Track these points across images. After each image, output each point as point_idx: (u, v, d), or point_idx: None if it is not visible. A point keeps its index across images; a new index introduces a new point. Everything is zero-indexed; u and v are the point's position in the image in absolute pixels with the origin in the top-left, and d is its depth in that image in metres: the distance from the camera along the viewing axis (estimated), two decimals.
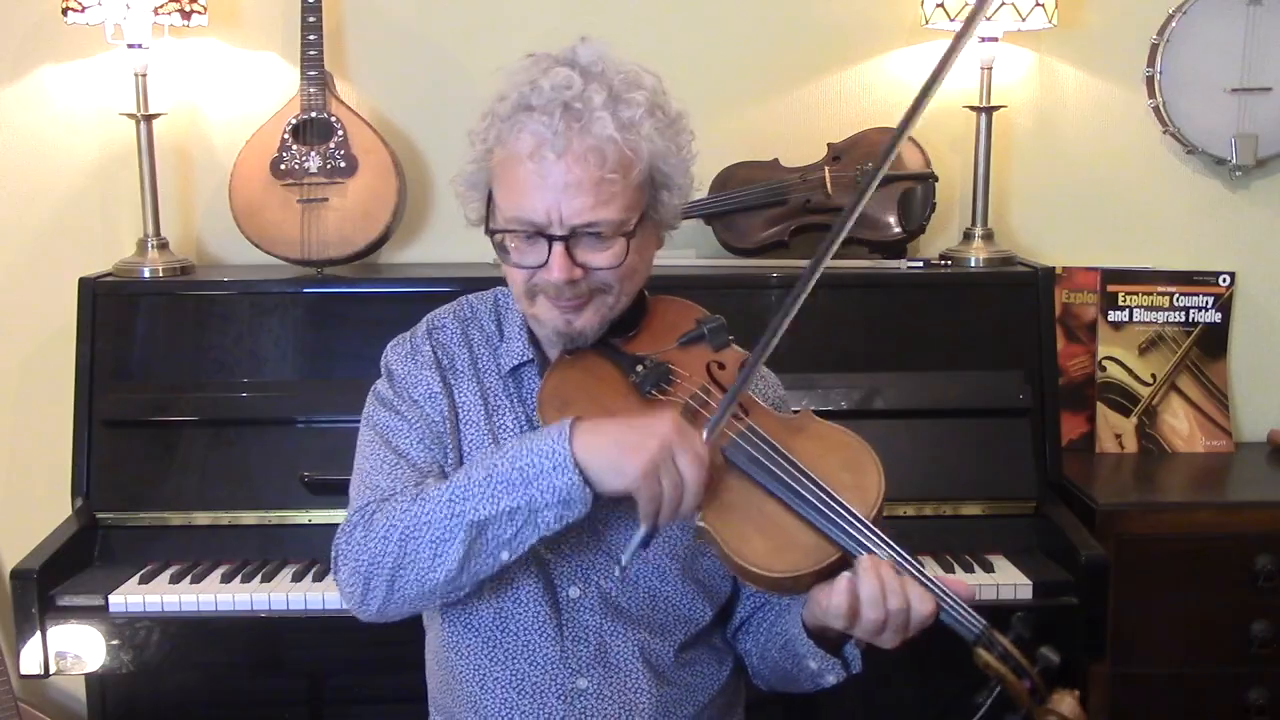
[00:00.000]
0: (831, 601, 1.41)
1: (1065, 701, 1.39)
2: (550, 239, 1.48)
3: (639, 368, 1.57)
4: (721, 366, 1.59)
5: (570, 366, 1.59)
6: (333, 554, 1.56)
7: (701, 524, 1.45)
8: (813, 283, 1.52)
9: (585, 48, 1.53)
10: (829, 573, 1.44)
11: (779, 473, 1.47)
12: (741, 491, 1.48)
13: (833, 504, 1.44)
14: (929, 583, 1.43)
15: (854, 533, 1.43)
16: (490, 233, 1.54)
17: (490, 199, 1.56)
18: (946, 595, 1.43)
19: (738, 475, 1.49)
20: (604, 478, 1.42)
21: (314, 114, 2.62)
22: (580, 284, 1.51)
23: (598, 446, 1.42)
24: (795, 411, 1.63)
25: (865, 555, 1.42)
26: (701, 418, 1.51)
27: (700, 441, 1.43)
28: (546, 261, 1.49)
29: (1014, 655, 1.39)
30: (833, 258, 1.58)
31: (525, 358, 1.63)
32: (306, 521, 2.40)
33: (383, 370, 1.67)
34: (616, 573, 1.58)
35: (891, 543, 1.44)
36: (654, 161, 1.51)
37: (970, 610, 1.43)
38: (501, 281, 1.65)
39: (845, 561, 1.44)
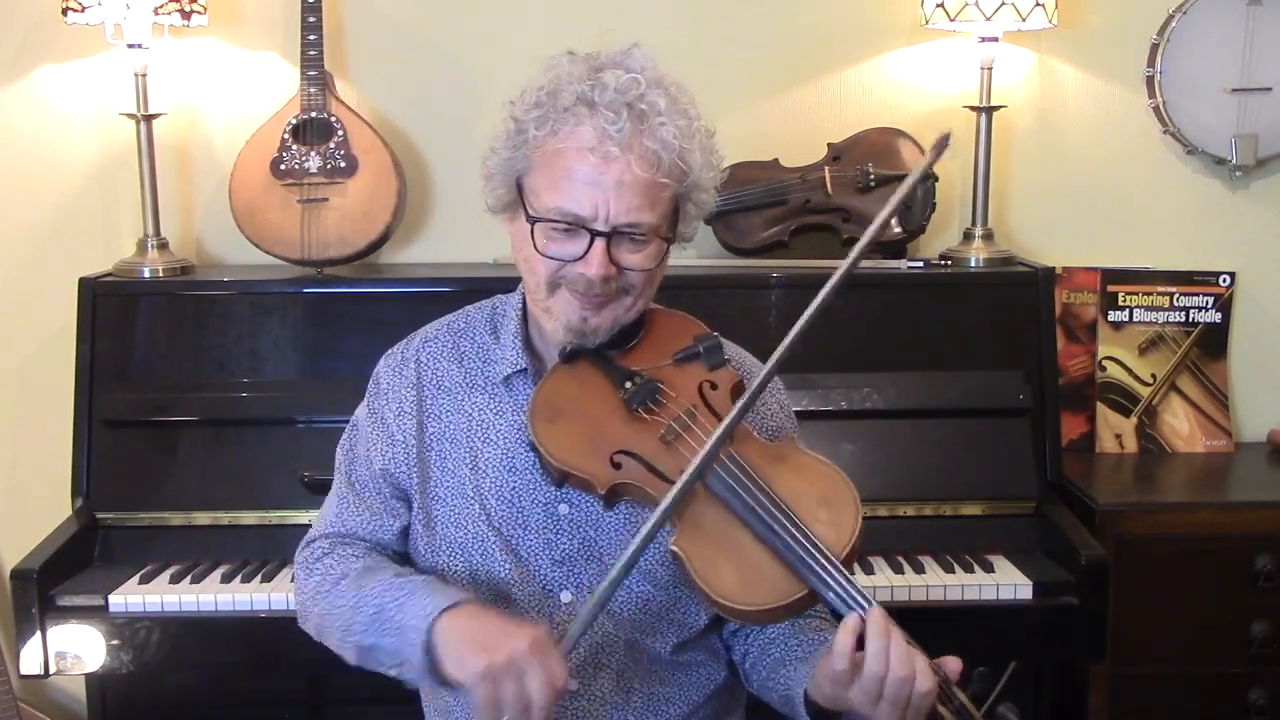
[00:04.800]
0: (839, 639, 1.39)
1: None
2: (593, 234, 1.49)
3: (628, 384, 1.56)
4: (714, 387, 1.57)
5: (563, 377, 1.59)
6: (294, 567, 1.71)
7: (675, 548, 1.45)
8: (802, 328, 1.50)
9: (639, 53, 1.54)
10: (797, 608, 1.44)
11: (754, 505, 1.46)
12: (717, 520, 1.47)
13: (804, 541, 1.43)
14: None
15: (822, 571, 1.41)
16: (530, 219, 1.53)
17: (521, 188, 1.55)
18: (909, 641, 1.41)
19: (715, 504, 1.48)
20: (449, 665, 1.45)
21: (314, 114, 2.62)
22: (610, 282, 1.52)
23: (455, 633, 1.45)
24: (785, 436, 1.61)
25: (875, 608, 1.40)
26: (684, 441, 1.51)
27: (559, 665, 1.40)
28: (584, 255, 1.50)
29: (970, 712, 1.37)
30: (835, 257, 1.57)
31: (519, 366, 1.63)
32: (306, 521, 2.34)
33: (371, 380, 1.70)
34: (535, 615, 1.58)
35: (855, 584, 1.42)
36: (698, 174, 1.54)
37: (932, 663, 1.40)
38: (501, 287, 1.65)
39: (813, 599, 1.43)
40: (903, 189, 1.57)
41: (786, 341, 1.49)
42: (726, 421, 1.48)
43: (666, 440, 1.52)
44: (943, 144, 1.53)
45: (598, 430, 1.54)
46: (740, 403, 1.49)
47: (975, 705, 1.38)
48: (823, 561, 1.41)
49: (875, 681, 1.37)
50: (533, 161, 1.53)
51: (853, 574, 1.44)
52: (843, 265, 1.50)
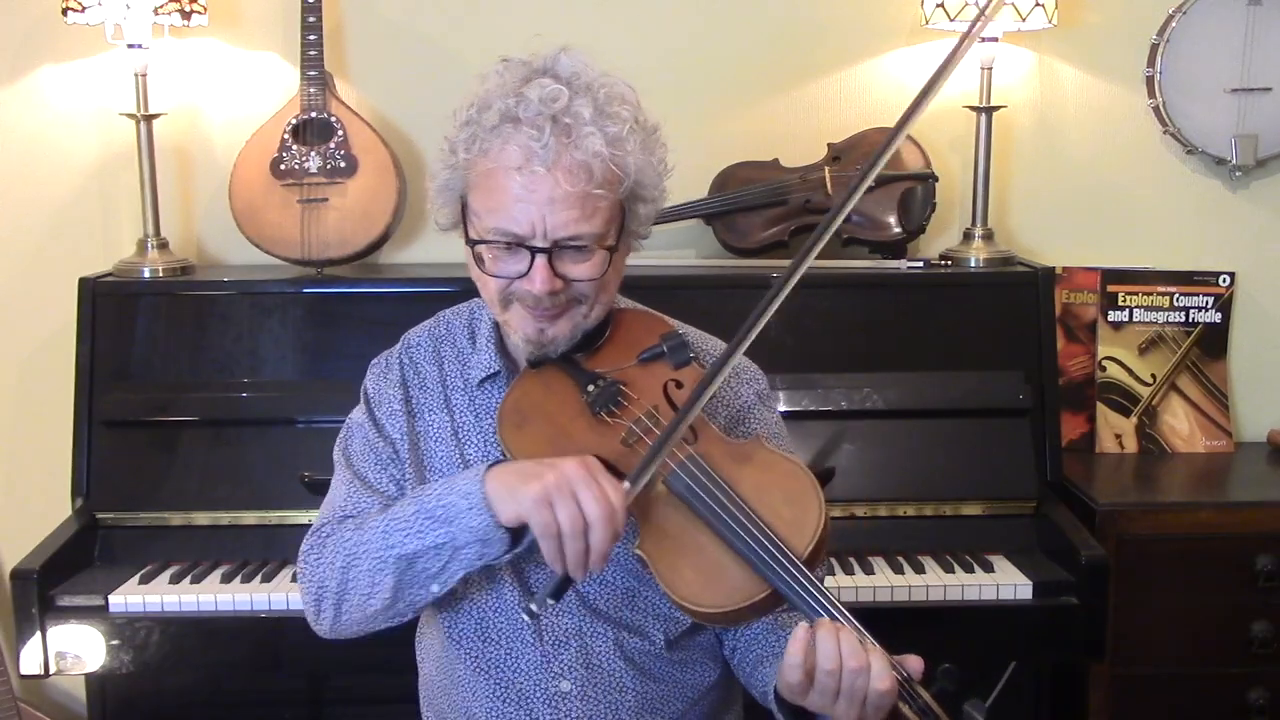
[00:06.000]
0: (789, 649, 1.37)
1: None
2: (533, 251, 1.49)
3: (591, 387, 1.56)
4: (679, 386, 1.56)
5: (531, 381, 1.59)
6: (296, 569, 1.66)
7: (638, 551, 1.45)
8: (766, 318, 1.48)
9: (567, 58, 1.53)
10: (761, 609, 1.42)
11: (715, 506, 1.44)
12: (679, 521, 1.46)
13: (765, 542, 1.41)
14: (857, 629, 1.39)
15: (782, 572, 1.39)
16: (470, 243, 1.54)
17: (465, 206, 1.55)
18: (863, 634, 1.39)
19: (677, 505, 1.47)
20: (503, 505, 1.44)
21: (314, 114, 2.62)
22: (559, 295, 1.52)
23: (503, 478, 1.46)
24: (765, 436, 1.60)
25: (824, 619, 1.37)
26: (643, 444, 1.50)
27: (613, 485, 1.40)
28: (527, 272, 1.50)
29: (934, 711, 1.35)
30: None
31: (493, 369, 1.64)
32: (306, 521, 2.33)
33: (361, 391, 1.71)
34: (525, 618, 1.56)
35: (817, 583, 1.40)
36: (637, 176, 1.52)
37: (894, 660, 1.37)
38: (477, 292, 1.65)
39: (776, 600, 1.41)
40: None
41: (754, 320, 1.47)
42: (681, 415, 1.46)
43: (628, 443, 1.51)
44: None
45: (562, 435, 1.53)
46: (697, 389, 1.47)
47: (939, 704, 1.36)
48: (784, 561, 1.39)
49: (831, 678, 1.35)
50: (469, 182, 1.53)
51: (820, 574, 1.43)
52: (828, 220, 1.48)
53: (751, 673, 1.61)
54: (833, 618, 1.38)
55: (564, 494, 1.39)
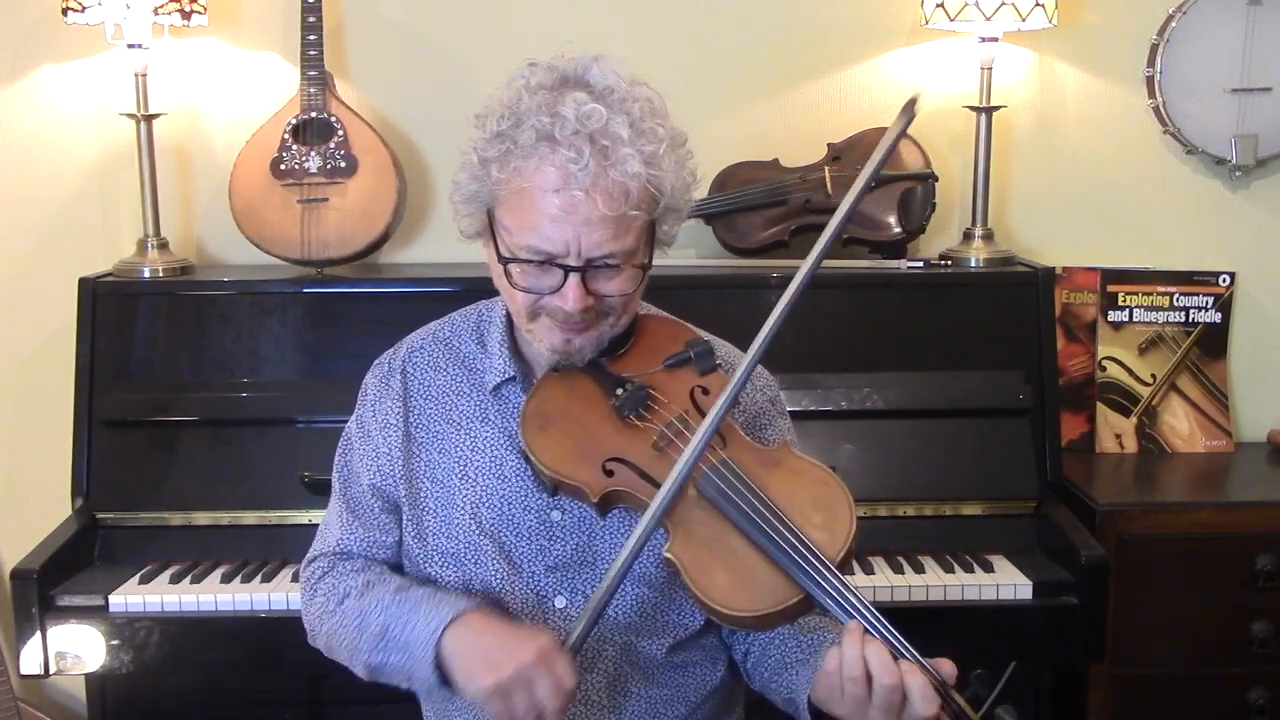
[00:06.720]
0: (827, 666, 1.40)
1: None
2: (566, 269, 1.48)
3: (619, 391, 1.56)
4: (706, 392, 1.56)
5: (555, 384, 1.59)
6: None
7: (668, 555, 1.45)
8: (780, 321, 1.48)
9: (599, 69, 1.50)
10: (792, 614, 1.43)
11: (748, 510, 1.44)
12: (711, 526, 1.46)
13: (799, 546, 1.41)
14: (889, 634, 1.39)
15: (816, 575, 1.40)
16: (501, 260, 1.52)
17: (492, 218, 1.54)
18: (903, 645, 1.39)
19: (708, 509, 1.47)
20: (459, 680, 1.49)
21: (314, 114, 2.62)
22: (590, 311, 1.51)
23: (462, 649, 1.49)
24: (784, 441, 1.61)
25: (852, 622, 1.39)
26: (676, 447, 1.50)
27: (566, 670, 1.43)
28: (560, 289, 1.49)
29: (968, 715, 1.36)
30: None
31: (508, 374, 1.63)
32: (306, 521, 2.39)
33: (361, 391, 1.72)
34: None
35: (851, 588, 1.41)
36: (670, 193, 1.51)
37: (927, 664, 1.38)
38: (490, 292, 1.65)
39: (808, 604, 1.42)
40: (878, 155, 1.52)
41: (770, 325, 1.47)
42: (709, 421, 1.46)
43: (659, 447, 1.52)
44: (911, 107, 1.50)
45: (589, 438, 1.53)
46: (722, 399, 1.47)
47: (973, 708, 1.37)
48: (817, 565, 1.40)
49: (854, 685, 1.36)
50: (499, 197, 1.51)
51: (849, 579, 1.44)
52: (831, 225, 1.50)
53: (772, 678, 1.60)
54: (867, 623, 1.39)
55: (521, 687, 1.43)
